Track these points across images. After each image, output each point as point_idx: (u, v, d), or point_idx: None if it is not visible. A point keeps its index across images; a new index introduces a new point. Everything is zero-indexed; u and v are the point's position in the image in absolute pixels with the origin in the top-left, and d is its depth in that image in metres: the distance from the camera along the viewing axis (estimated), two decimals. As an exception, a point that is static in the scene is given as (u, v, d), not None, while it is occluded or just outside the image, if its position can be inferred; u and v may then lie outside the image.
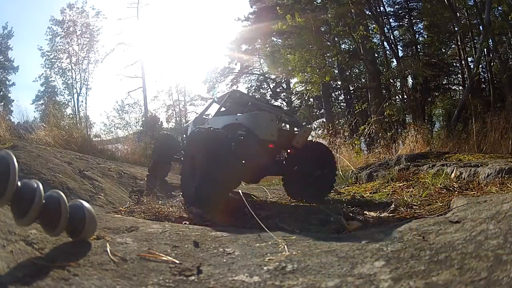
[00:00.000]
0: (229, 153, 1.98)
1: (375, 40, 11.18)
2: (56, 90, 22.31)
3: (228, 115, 2.57)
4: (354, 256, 0.86)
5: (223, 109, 2.73)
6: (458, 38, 10.97)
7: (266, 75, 22.07)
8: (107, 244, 0.91)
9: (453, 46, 14.01)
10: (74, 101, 21.78)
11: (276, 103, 22.13)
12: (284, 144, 2.42)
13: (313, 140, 2.85)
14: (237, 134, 2.20)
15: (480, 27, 9.36)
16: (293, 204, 2.46)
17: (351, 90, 15.19)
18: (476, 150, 5.18)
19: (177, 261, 0.84)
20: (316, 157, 2.42)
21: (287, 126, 2.64)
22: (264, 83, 22.86)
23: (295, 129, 2.53)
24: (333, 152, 2.57)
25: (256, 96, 22.11)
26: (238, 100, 2.70)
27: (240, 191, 2.21)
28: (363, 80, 14.10)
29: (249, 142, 2.18)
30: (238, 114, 2.45)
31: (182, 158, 2.51)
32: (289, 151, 2.49)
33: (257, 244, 1.01)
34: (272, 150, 2.31)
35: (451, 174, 2.51)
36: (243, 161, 2.09)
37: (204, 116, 3.00)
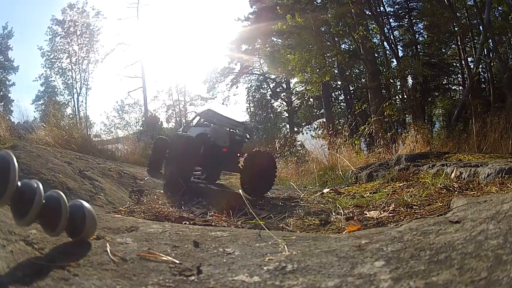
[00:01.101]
0: (196, 153, 2.98)
1: (375, 40, 11.18)
2: (56, 90, 22.36)
3: (201, 127, 3.54)
4: (354, 256, 0.86)
5: (202, 120, 3.77)
6: (458, 38, 10.98)
7: (266, 75, 22.10)
8: (107, 244, 0.91)
9: (453, 46, 14.01)
10: (74, 101, 21.83)
11: (275, 103, 22.23)
12: (234, 150, 3.37)
13: (261, 150, 4.17)
14: (209, 141, 3.22)
15: (480, 27, 9.35)
16: (293, 204, 2.46)
17: (351, 90, 15.19)
18: (476, 150, 5.18)
19: (177, 261, 0.84)
20: (262, 163, 3.19)
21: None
22: (264, 83, 22.89)
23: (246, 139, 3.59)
24: (275, 159, 3.64)
25: (256, 96, 22.20)
26: (210, 116, 3.66)
27: (240, 191, 2.30)
28: (363, 80, 14.10)
29: (210, 146, 3.19)
30: (206, 127, 3.48)
31: (167, 154, 3.41)
32: (238, 155, 3.41)
33: (257, 244, 1.01)
34: (225, 153, 3.27)
35: (451, 174, 2.51)
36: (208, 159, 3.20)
37: (190, 124, 3.97)
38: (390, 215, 1.62)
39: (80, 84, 21.74)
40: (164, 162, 3.44)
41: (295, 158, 7.88)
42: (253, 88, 23.35)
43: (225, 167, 3.57)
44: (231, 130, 3.43)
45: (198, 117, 3.90)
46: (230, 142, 3.31)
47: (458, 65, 13.97)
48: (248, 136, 3.58)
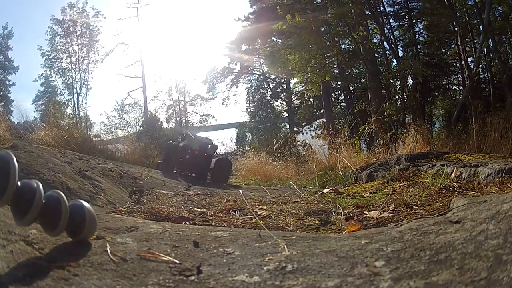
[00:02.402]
0: (175, 151, 5.23)
1: (375, 40, 11.17)
2: (56, 90, 22.35)
3: (184, 141, 5.92)
4: (354, 256, 0.86)
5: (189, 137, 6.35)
6: (458, 38, 10.96)
7: (266, 75, 22.12)
8: (107, 244, 0.91)
9: (453, 46, 14.00)
10: (74, 101, 21.83)
11: (275, 103, 22.30)
12: (202, 152, 5.26)
13: (223, 157, 6.63)
14: (188, 147, 5.37)
15: (480, 27, 9.35)
16: (293, 204, 2.46)
17: (351, 90, 15.19)
18: (476, 150, 5.18)
19: (177, 261, 0.84)
20: (223, 163, 5.29)
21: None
22: (264, 83, 22.90)
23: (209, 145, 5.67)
24: (231, 161, 5.95)
25: (256, 96, 22.30)
26: (192, 135, 6.03)
27: (240, 190, 2.31)
28: (363, 80, 14.09)
29: (190, 152, 5.26)
30: (186, 141, 5.86)
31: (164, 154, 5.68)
32: (205, 155, 5.28)
33: (257, 244, 1.01)
34: (197, 154, 5.18)
35: (451, 174, 2.50)
36: (187, 156, 5.26)
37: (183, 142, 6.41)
38: (390, 215, 1.62)
39: (80, 84, 21.73)
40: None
41: (295, 158, 7.89)
42: (253, 88, 23.35)
43: (204, 167, 5.29)
44: (200, 140, 6.05)
45: (187, 138, 6.31)
46: (199, 147, 5.30)
47: (458, 65, 13.95)
48: (212, 144, 5.87)
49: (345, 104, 16.49)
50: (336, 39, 12.55)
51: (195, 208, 2.01)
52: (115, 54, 26.88)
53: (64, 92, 22.15)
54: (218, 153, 6.87)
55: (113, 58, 37.55)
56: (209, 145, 5.54)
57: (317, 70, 9.49)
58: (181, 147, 5.41)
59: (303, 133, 18.41)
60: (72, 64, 21.61)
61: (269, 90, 22.72)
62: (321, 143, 7.82)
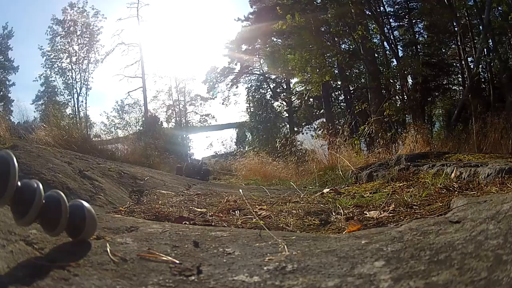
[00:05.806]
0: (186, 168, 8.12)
1: (375, 40, 11.17)
2: (56, 90, 22.36)
3: (189, 162, 10.25)
4: (354, 256, 0.86)
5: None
6: (458, 38, 10.96)
7: (266, 75, 22.14)
8: (107, 244, 0.91)
9: (453, 46, 13.99)
10: (74, 101, 21.84)
11: (275, 103, 22.36)
12: (194, 169, 7.63)
13: (207, 168, 9.14)
14: (193, 164, 8.71)
15: (480, 27, 9.35)
16: (293, 204, 2.46)
17: (351, 90, 15.18)
18: (476, 150, 5.18)
19: (177, 261, 0.84)
20: (206, 171, 7.97)
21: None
22: (264, 83, 22.92)
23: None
24: (209, 168, 9.67)
25: (256, 96, 22.32)
26: (192, 160, 11.01)
27: (240, 190, 2.31)
28: (363, 80, 14.09)
29: (190, 166, 8.08)
30: (187, 163, 9.37)
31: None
32: (195, 170, 7.77)
33: (257, 244, 1.01)
34: (191, 170, 7.52)
35: (451, 174, 2.50)
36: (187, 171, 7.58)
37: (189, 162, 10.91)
38: (390, 215, 1.62)
39: (80, 84, 21.74)
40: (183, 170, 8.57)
41: (295, 158, 7.90)
42: (253, 88, 23.35)
43: (195, 176, 7.27)
44: (199, 162, 9.52)
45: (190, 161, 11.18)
46: (192, 167, 7.76)
47: (458, 65, 13.95)
48: (200, 164, 8.86)
49: (345, 104, 16.49)
50: (336, 39, 12.56)
51: (195, 208, 2.01)
52: (115, 54, 26.74)
53: (64, 92, 22.17)
54: (206, 163, 11.00)
55: (113, 58, 37.55)
56: (198, 165, 9.61)
57: (317, 70, 9.49)
58: (185, 167, 9.27)
59: (303, 133, 18.43)
60: (72, 64, 21.62)
61: (269, 90, 22.74)
62: (321, 143, 7.82)
